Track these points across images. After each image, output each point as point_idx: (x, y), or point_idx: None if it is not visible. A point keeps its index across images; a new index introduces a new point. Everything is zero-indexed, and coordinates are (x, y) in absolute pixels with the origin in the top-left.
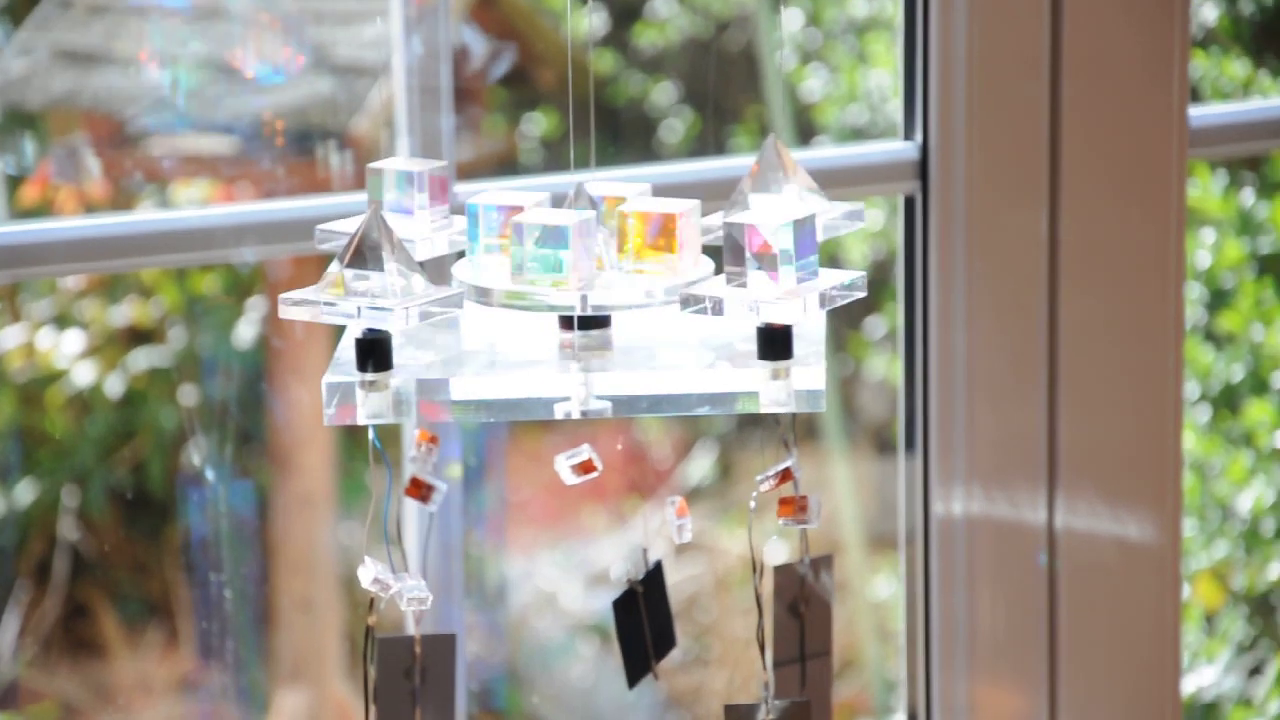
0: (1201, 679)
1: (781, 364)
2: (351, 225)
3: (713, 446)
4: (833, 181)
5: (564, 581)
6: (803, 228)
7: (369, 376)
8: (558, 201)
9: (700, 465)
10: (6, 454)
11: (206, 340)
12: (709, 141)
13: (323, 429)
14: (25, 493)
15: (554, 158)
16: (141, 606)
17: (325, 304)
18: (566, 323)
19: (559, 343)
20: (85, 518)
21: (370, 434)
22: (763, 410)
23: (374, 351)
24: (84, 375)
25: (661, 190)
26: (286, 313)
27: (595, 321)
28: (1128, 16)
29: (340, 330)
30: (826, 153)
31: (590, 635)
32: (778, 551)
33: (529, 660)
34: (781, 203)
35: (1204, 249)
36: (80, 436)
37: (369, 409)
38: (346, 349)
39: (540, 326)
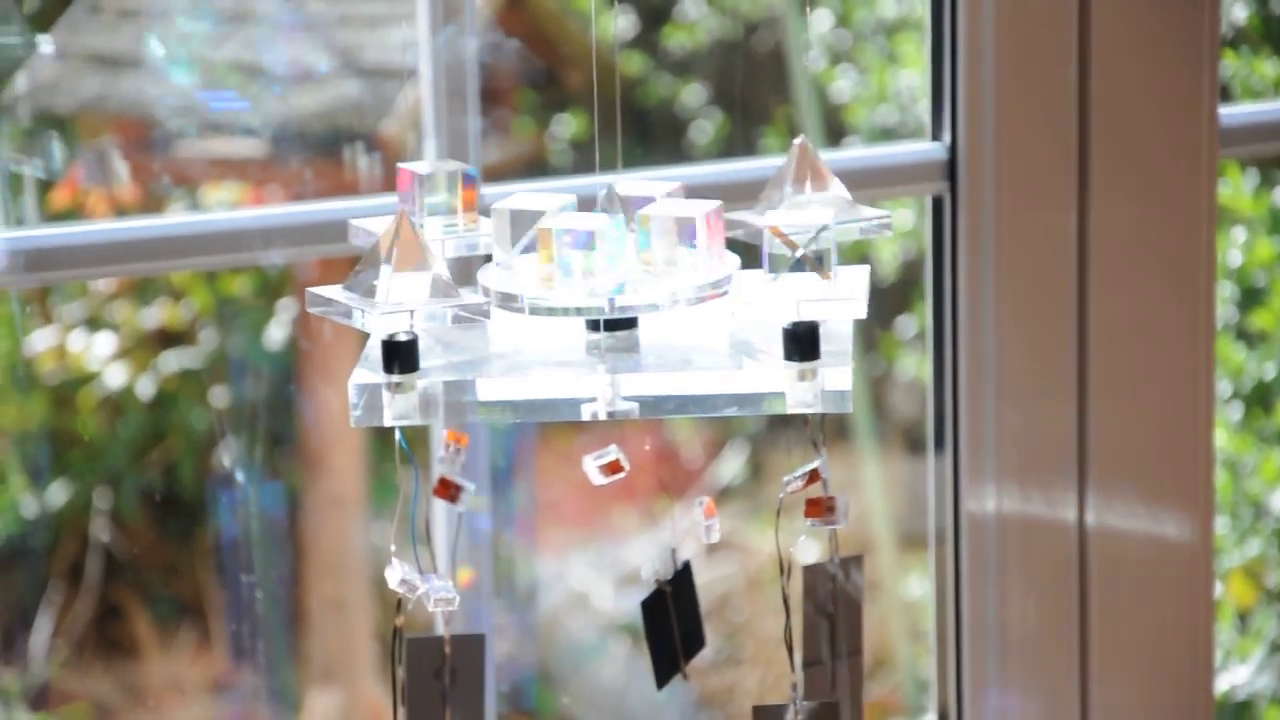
0: (1235, 678)
1: (808, 364)
2: (382, 225)
3: (744, 446)
4: (862, 182)
5: (595, 581)
6: (830, 229)
7: (395, 378)
8: (586, 204)
9: (731, 465)
10: (39, 456)
11: (237, 342)
12: (738, 143)
13: (353, 430)
14: (58, 494)
15: (583, 159)
16: (173, 607)
17: (343, 305)
18: (594, 324)
19: (587, 343)
20: (117, 519)
21: (397, 435)
22: (790, 411)
23: (400, 353)
24: (115, 377)
25: (693, 191)
26: (312, 309)
27: (622, 323)
28: (1157, 14)
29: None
30: (855, 153)
31: (622, 635)
32: (808, 551)
33: (560, 661)
34: (811, 203)
35: (1235, 248)
36: (112, 438)
37: (395, 410)
38: (374, 349)
39: (567, 327)
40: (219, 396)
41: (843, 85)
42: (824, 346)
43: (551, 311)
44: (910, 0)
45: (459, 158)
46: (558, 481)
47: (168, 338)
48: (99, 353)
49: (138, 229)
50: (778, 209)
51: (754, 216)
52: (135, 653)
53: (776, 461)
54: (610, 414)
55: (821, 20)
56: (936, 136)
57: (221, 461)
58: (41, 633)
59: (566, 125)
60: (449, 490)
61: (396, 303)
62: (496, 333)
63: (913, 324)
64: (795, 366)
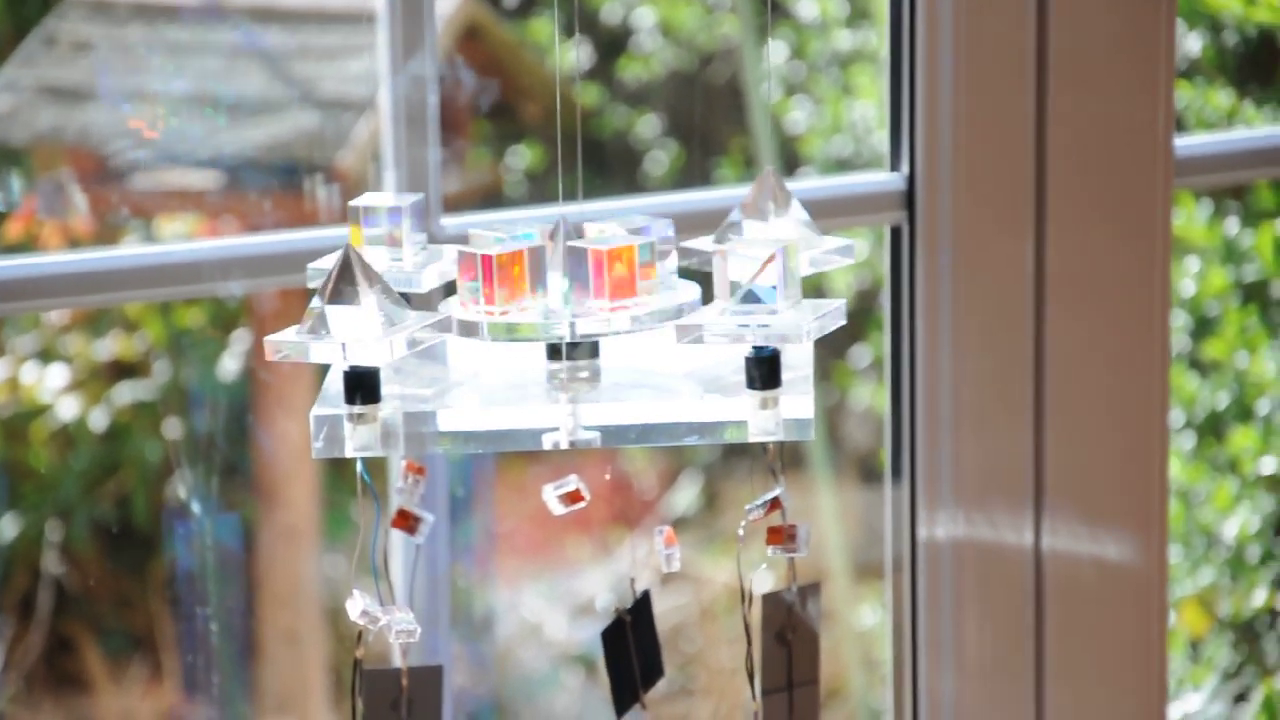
0: (1187, 705)
1: (770, 393)
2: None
3: (698, 476)
4: (821, 212)
5: (549, 612)
6: (790, 257)
7: (357, 409)
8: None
9: (685, 495)
10: None
11: (191, 373)
12: (694, 174)
13: (308, 461)
14: (9, 527)
15: (538, 190)
16: (125, 640)
17: (305, 343)
18: (554, 353)
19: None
20: (69, 552)
21: (359, 466)
22: (751, 439)
23: (362, 384)
24: (68, 409)
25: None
26: (271, 355)
27: (583, 351)
28: (1114, 46)
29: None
30: (814, 184)
31: (575, 666)
32: (763, 580)
33: (513, 692)
34: (774, 233)
35: (1189, 277)
36: (64, 470)
37: (357, 441)
38: (335, 381)
39: (528, 356)
40: (173, 428)
41: (797, 116)
42: (784, 374)
43: (513, 340)
44: (865, 32)
45: (419, 189)
46: (510, 512)
47: (121, 369)
48: (52, 385)
49: (92, 260)
50: (741, 237)
51: (709, 244)
52: (86, 686)
53: (731, 491)
54: (572, 443)
55: (777, 52)
56: (895, 167)
57: (175, 493)
58: None
59: (522, 156)
60: (408, 522)
61: (380, 332)
62: (456, 362)
63: (867, 353)
64: (757, 394)
